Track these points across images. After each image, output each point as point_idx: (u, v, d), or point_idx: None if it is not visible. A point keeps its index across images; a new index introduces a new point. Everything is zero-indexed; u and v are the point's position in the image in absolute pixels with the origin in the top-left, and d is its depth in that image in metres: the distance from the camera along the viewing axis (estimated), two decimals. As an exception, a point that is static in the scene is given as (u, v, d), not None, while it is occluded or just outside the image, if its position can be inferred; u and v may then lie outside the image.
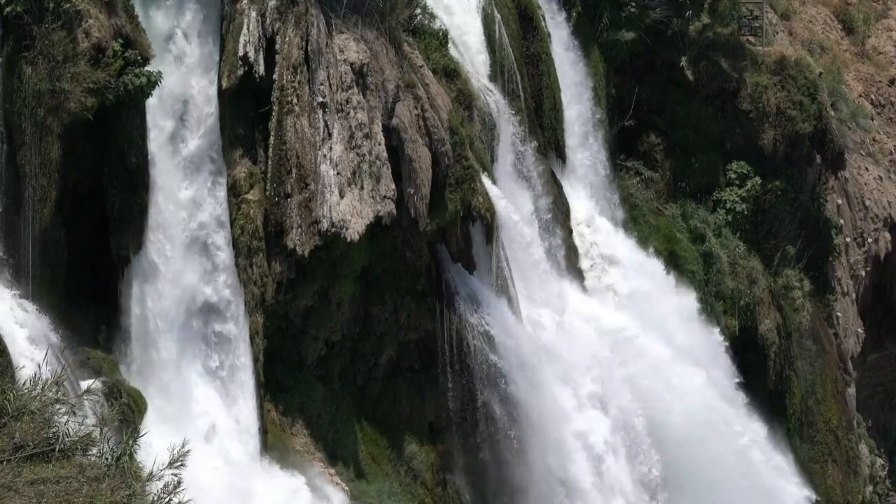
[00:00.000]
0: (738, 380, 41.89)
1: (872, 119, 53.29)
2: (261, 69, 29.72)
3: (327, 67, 30.55)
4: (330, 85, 30.54)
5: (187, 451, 12.12)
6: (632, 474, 36.46)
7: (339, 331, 32.35)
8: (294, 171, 29.97)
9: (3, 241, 26.29)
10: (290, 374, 31.46)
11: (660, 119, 44.54)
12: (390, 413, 33.40)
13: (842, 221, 48.42)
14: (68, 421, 13.07)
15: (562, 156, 40.14)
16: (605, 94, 42.27)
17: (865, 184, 50.89)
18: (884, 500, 49.94)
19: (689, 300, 41.90)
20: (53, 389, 13.01)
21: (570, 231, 38.47)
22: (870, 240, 50.34)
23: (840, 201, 48.90)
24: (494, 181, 35.24)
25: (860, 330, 49.65)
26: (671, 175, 44.32)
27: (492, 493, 34.38)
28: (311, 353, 31.85)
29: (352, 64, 30.93)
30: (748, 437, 40.66)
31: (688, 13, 43.35)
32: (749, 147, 45.06)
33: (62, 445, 12.47)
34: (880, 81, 54.95)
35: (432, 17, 35.00)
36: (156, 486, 12.28)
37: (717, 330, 42.19)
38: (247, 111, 30.28)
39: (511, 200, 35.37)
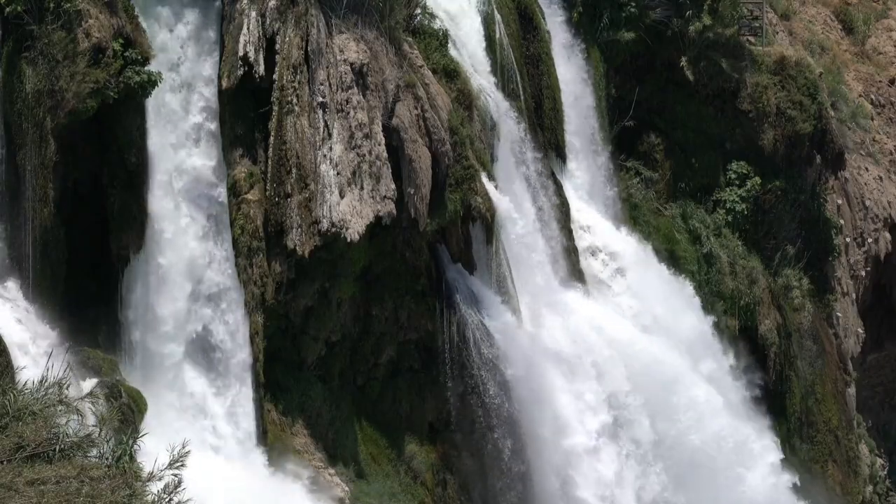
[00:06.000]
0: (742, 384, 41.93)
1: (872, 119, 53.25)
2: (261, 69, 29.72)
3: (327, 67, 30.55)
4: (330, 85, 30.54)
5: (187, 452, 12.11)
6: (633, 474, 36.44)
7: (339, 331, 32.35)
8: (294, 171, 29.97)
9: (3, 241, 26.30)
10: (290, 374, 31.46)
11: (660, 119, 44.51)
12: (390, 413, 33.40)
13: (842, 221, 48.38)
14: (68, 421, 13.06)
15: (562, 156, 40.12)
16: (605, 94, 42.24)
17: (865, 184, 50.86)
18: (884, 500, 49.89)
19: (689, 301, 41.87)
20: (55, 389, 13.01)
21: (570, 231, 38.45)
22: (870, 240, 50.31)
23: (840, 201, 48.86)
24: (494, 181, 35.23)
25: (860, 330, 49.60)
26: (671, 175, 44.29)
27: (492, 494, 34.36)
28: (311, 353, 31.85)
29: (352, 64, 30.93)
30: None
31: (688, 13, 43.33)
32: (749, 147, 45.04)
33: (62, 446, 12.47)
34: (880, 81, 54.91)
35: (432, 17, 35.00)
36: (156, 487, 12.28)
37: (720, 334, 42.18)
38: (247, 111, 30.29)
39: (511, 200, 35.37)
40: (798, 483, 41.06)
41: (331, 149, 30.41)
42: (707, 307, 42.19)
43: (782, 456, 41.02)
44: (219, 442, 29.19)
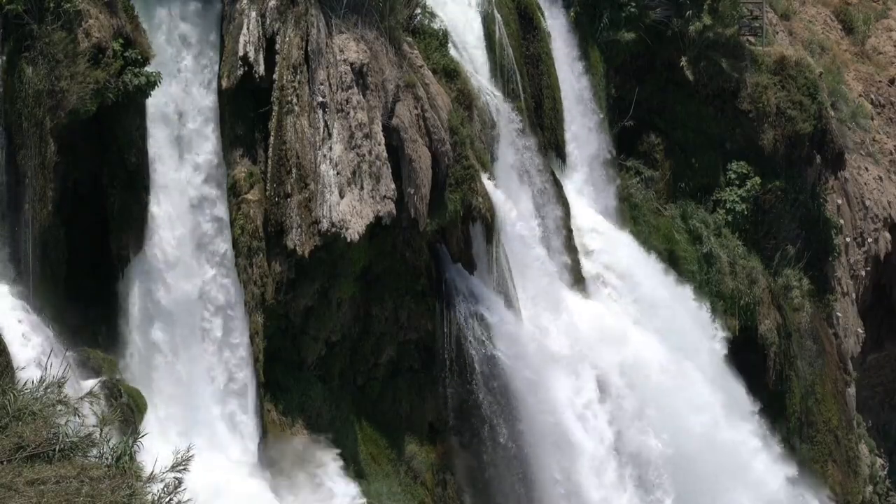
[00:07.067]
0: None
1: (872, 119, 53.27)
2: (261, 69, 29.71)
3: (327, 67, 30.54)
4: (330, 85, 30.53)
5: (191, 455, 12.08)
6: (632, 473, 36.43)
7: (339, 331, 32.35)
8: (294, 171, 29.96)
9: (3, 242, 26.28)
10: (290, 374, 31.45)
11: (660, 119, 44.53)
12: (390, 413, 33.39)
13: (842, 221, 48.40)
14: (68, 421, 13.05)
15: (562, 155, 40.14)
16: (605, 94, 42.25)
17: (865, 184, 50.87)
18: (884, 500, 49.91)
19: (688, 301, 41.87)
20: (55, 389, 13.01)
21: (570, 231, 38.46)
22: (870, 240, 50.33)
23: (840, 201, 48.88)
24: (494, 181, 35.24)
25: (860, 330, 49.63)
26: (671, 175, 44.31)
27: (492, 494, 34.36)
28: (311, 353, 31.84)
29: (352, 64, 30.92)
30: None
31: (688, 13, 43.34)
32: (749, 147, 45.06)
33: (62, 446, 12.46)
34: (880, 81, 54.93)
35: (432, 16, 35.00)
36: (157, 487, 12.28)
37: (720, 333, 42.17)
38: (247, 111, 30.28)
39: (511, 200, 35.37)
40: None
41: (331, 149, 30.40)
42: (704, 306, 42.22)
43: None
44: (218, 442, 29.17)
